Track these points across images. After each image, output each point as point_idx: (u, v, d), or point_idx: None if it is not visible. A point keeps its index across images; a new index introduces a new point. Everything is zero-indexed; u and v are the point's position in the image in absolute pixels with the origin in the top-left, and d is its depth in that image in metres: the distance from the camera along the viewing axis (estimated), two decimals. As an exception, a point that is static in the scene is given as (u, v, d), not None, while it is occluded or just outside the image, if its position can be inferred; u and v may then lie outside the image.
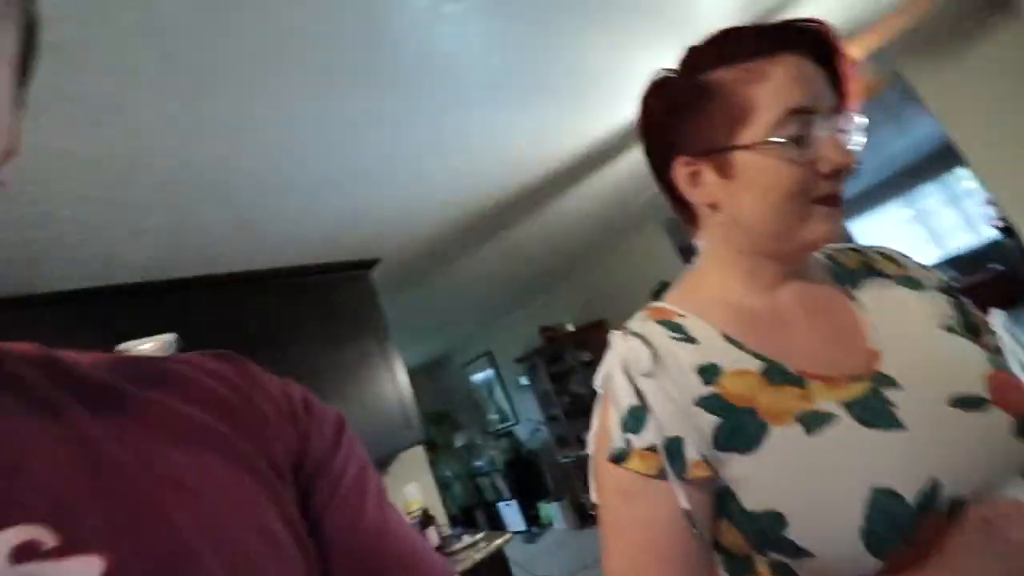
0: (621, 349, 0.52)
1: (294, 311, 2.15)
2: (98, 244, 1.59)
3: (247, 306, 2.04)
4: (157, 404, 0.29)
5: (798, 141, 0.47)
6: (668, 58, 0.54)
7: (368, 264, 2.43)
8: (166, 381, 0.31)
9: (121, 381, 0.30)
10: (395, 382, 2.34)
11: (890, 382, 0.45)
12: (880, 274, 0.57)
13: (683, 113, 0.53)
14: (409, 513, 2.28)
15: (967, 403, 0.42)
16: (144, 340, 1.53)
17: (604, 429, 0.51)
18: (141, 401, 0.29)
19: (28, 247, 1.52)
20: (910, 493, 0.38)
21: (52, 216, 1.43)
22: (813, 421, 0.43)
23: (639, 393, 0.48)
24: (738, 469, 0.45)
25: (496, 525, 5.59)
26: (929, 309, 0.52)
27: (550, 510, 5.03)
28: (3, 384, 0.26)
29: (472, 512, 5.88)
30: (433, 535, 2.18)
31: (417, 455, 2.60)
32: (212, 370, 0.33)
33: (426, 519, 2.25)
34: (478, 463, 5.94)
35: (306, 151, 1.58)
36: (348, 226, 2.13)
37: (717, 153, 0.51)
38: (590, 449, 0.54)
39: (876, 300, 0.53)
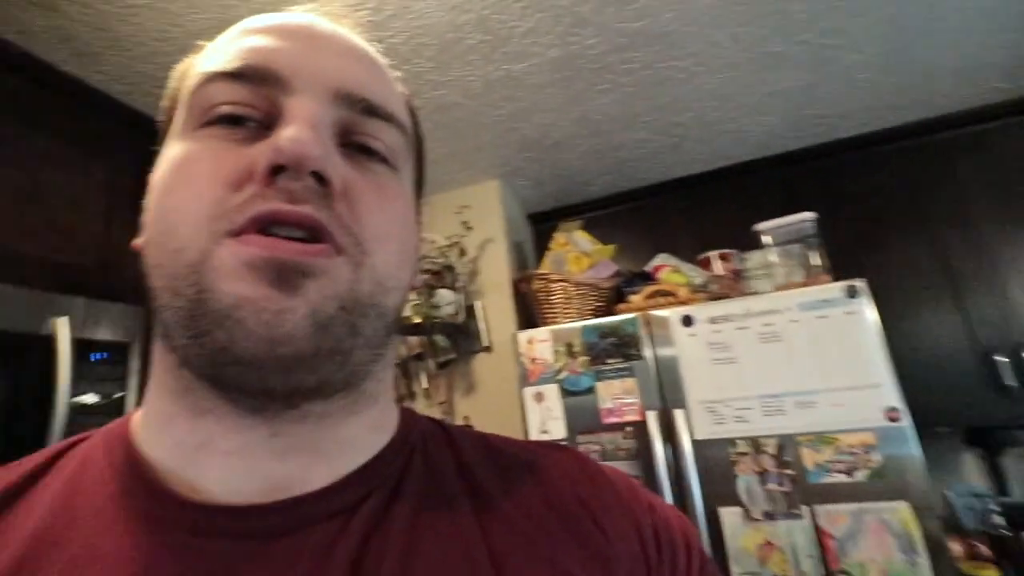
0: None
1: (948, 175, 1.57)
2: (730, 118, 1.57)
3: (873, 176, 1.63)
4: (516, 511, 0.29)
5: None
6: None
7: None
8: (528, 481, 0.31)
9: (497, 478, 0.31)
10: None
11: None
12: None
13: None
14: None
15: None
16: (787, 218, 1.43)
17: None
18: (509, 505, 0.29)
19: (671, 131, 1.64)
20: None
21: (694, 92, 1.45)
22: None
23: None
24: None
25: None
26: None
27: None
28: (419, 471, 0.29)
29: None
30: None
31: None
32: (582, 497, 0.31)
33: None
34: None
35: None
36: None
37: None
38: None
39: None
